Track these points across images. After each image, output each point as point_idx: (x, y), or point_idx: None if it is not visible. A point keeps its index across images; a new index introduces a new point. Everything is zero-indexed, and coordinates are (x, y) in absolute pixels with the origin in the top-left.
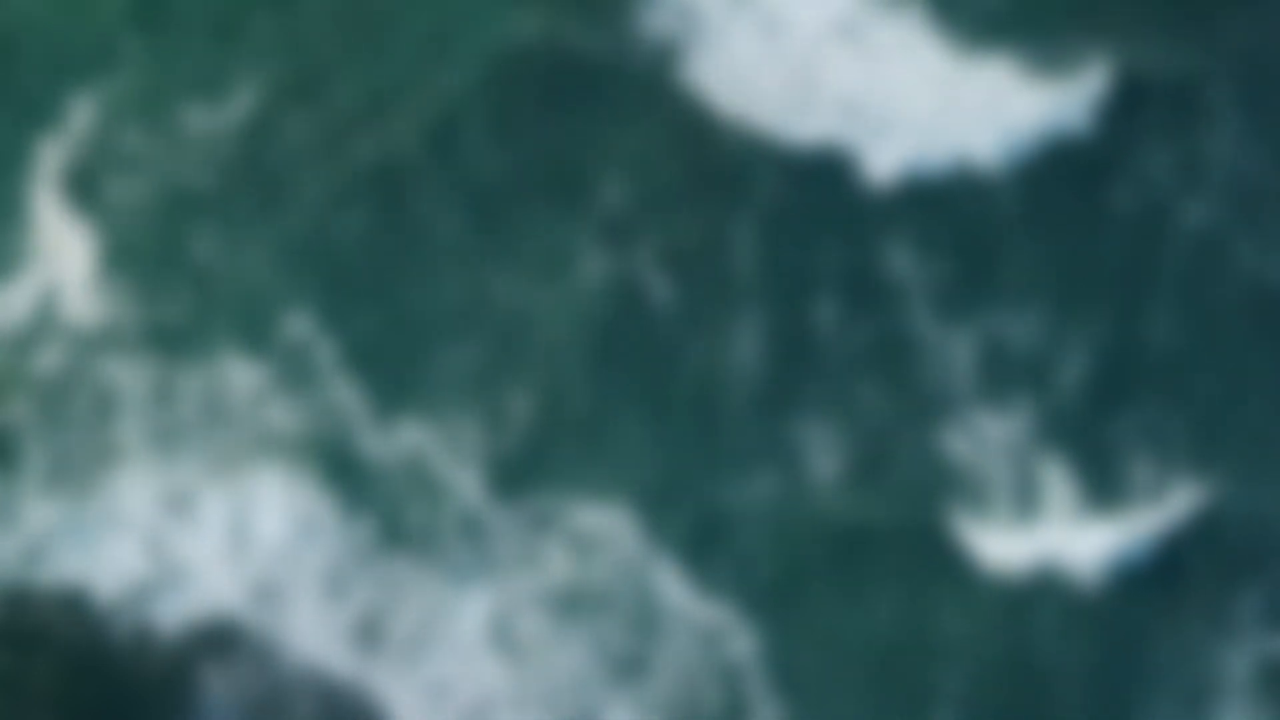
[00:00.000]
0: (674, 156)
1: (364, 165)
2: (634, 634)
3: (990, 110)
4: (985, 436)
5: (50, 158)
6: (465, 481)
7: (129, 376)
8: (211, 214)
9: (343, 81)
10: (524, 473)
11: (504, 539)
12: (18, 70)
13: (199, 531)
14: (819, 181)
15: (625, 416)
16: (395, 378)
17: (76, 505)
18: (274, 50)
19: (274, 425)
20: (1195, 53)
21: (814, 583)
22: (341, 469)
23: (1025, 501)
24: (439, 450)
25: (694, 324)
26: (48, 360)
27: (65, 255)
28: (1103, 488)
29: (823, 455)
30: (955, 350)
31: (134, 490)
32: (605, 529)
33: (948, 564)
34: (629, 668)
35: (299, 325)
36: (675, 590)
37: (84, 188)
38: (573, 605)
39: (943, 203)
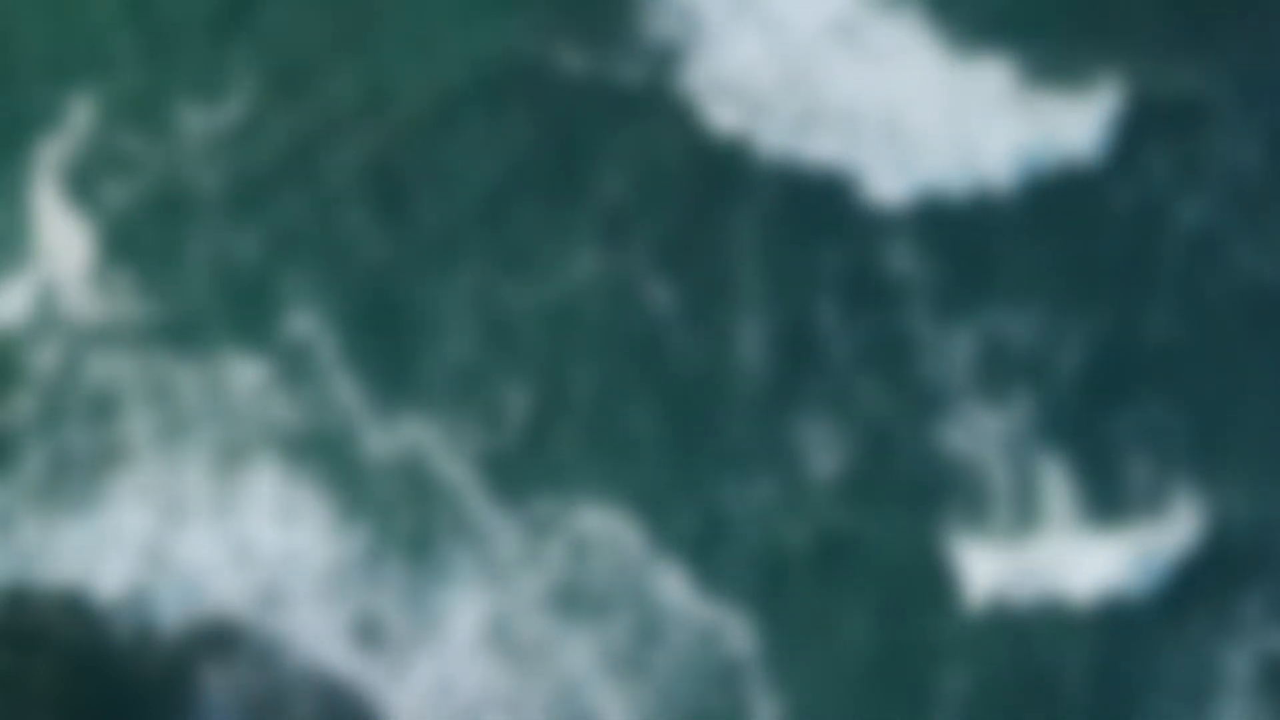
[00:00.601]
0: (674, 157)
1: (363, 164)
2: (633, 635)
3: (990, 111)
4: (984, 436)
5: (49, 156)
6: (465, 483)
7: (129, 374)
8: (210, 212)
9: (342, 79)
10: (524, 473)
11: (503, 539)
12: (17, 70)
13: (198, 531)
14: (819, 181)
15: (625, 417)
16: (395, 377)
17: (76, 504)
18: (272, 49)
19: (273, 422)
20: (1195, 52)
21: (815, 584)
22: (341, 469)
23: (1024, 501)
24: (438, 451)
25: (694, 324)
26: (47, 358)
27: (64, 253)
28: (1102, 487)
29: (823, 456)
30: (954, 349)
31: (133, 488)
32: (605, 530)
33: (947, 567)
34: (628, 669)
35: (298, 323)
36: (675, 591)
37: (83, 186)
38: (572, 606)
39: (942, 202)
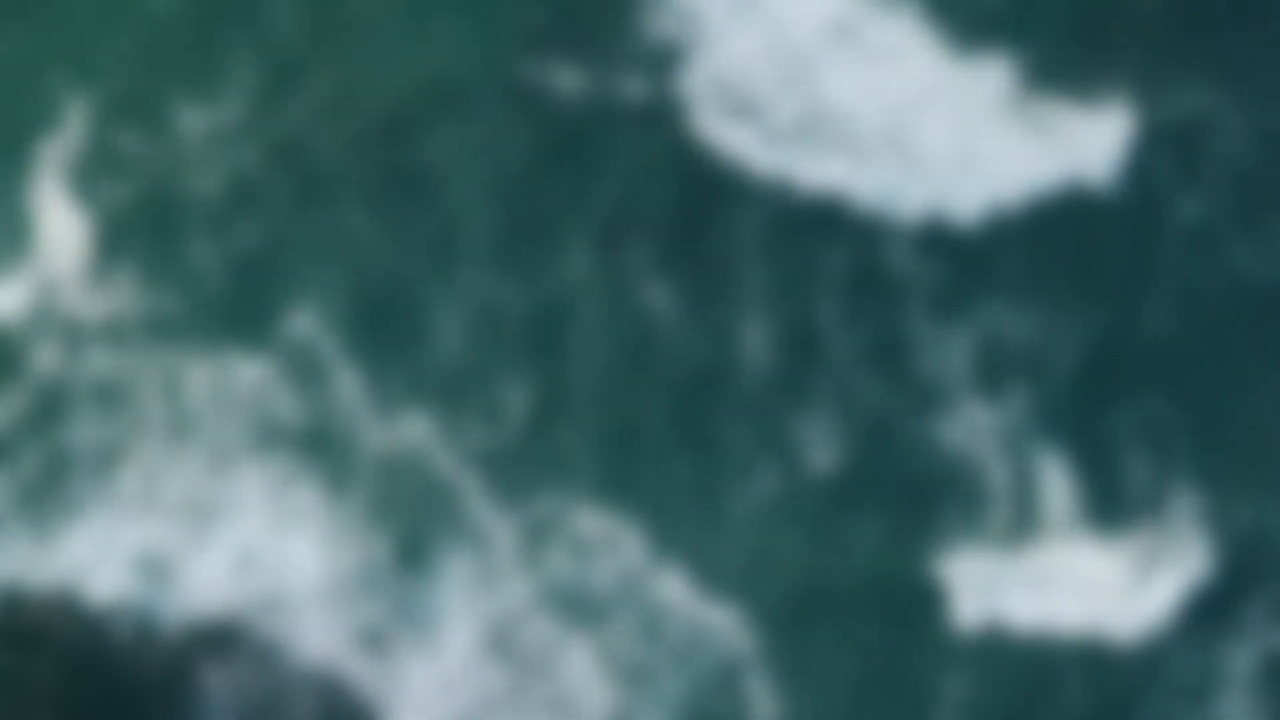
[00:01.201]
0: (672, 156)
1: (363, 161)
2: (636, 639)
3: (990, 112)
4: (982, 433)
5: (48, 155)
6: (465, 484)
7: (128, 372)
8: (209, 210)
9: (343, 78)
10: (524, 474)
11: (502, 541)
12: (16, 69)
13: (198, 530)
14: (818, 180)
15: (626, 418)
16: (395, 376)
17: (74, 502)
18: (272, 49)
19: (275, 421)
20: (1196, 51)
21: (816, 585)
22: (342, 468)
23: (1022, 499)
24: (438, 452)
25: (694, 324)
26: (45, 356)
27: (63, 251)
28: (1101, 485)
29: (824, 456)
30: (952, 347)
31: (133, 486)
32: (607, 532)
33: (947, 567)
34: (631, 673)
35: (299, 322)
36: (676, 593)
37: (81, 184)
38: (574, 609)
39: (942, 201)
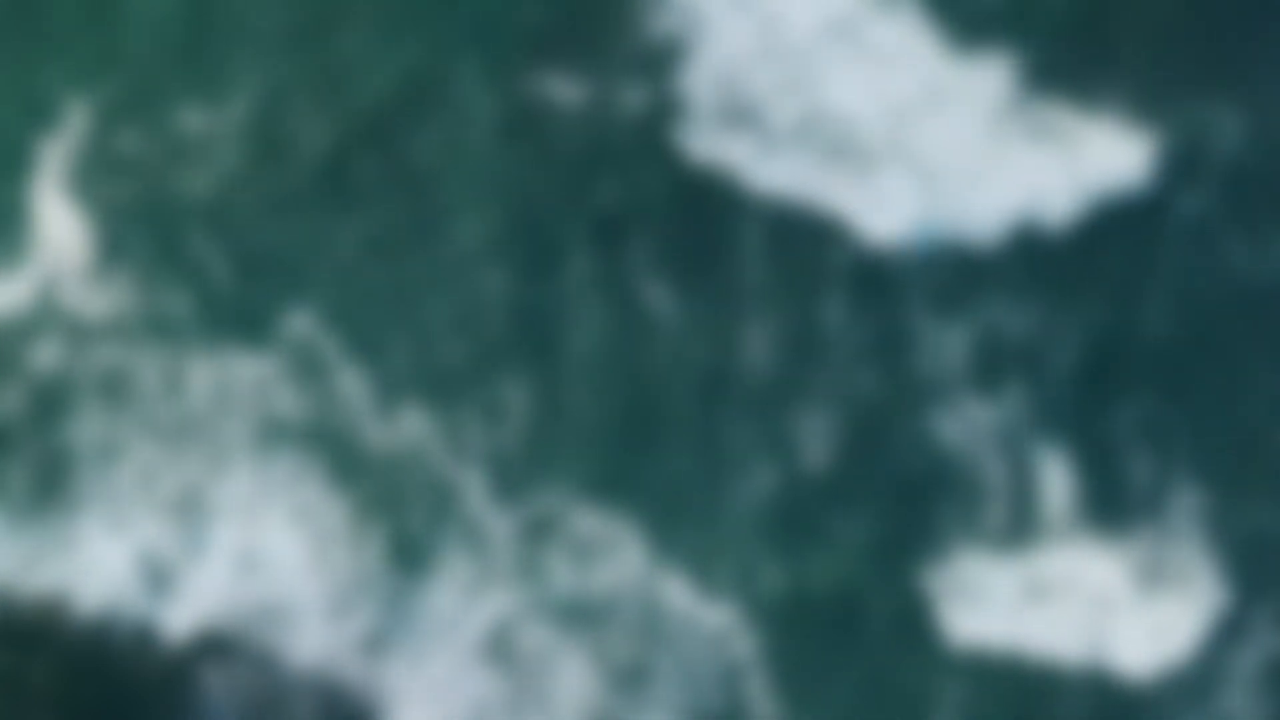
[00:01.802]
0: (671, 155)
1: (367, 163)
2: (637, 642)
3: (989, 111)
4: (981, 433)
5: (49, 155)
6: (466, 486)
7: (128, 371)
8: (211, 209)
9: (344, 77)
10: (526, 477)
11: (504, 544)
12: (17, 68)
13: (199, 529)
14: (817, 180)
15: (627, 419)
16: (396, 375)
17: (76, 502)
18: (274, 48)
19: (275, 419)
20: (1194, 51)
21: (815, 585)
22: (343, 468)
23: (1021, 497)
24: (441, 455)
25: (694, 323)
26: (46, 355)
27: (65, 250)
28: (1099, 483)
29: (825, 455)
30: (951, 343)
31: (133, 485)
32: (608, 535)
33: (947, 568)
34: (632, 676)
35: (299, 321)
36: (679, 597)
37: (84, 184)
38: (575, 613)
39: (941, 201)
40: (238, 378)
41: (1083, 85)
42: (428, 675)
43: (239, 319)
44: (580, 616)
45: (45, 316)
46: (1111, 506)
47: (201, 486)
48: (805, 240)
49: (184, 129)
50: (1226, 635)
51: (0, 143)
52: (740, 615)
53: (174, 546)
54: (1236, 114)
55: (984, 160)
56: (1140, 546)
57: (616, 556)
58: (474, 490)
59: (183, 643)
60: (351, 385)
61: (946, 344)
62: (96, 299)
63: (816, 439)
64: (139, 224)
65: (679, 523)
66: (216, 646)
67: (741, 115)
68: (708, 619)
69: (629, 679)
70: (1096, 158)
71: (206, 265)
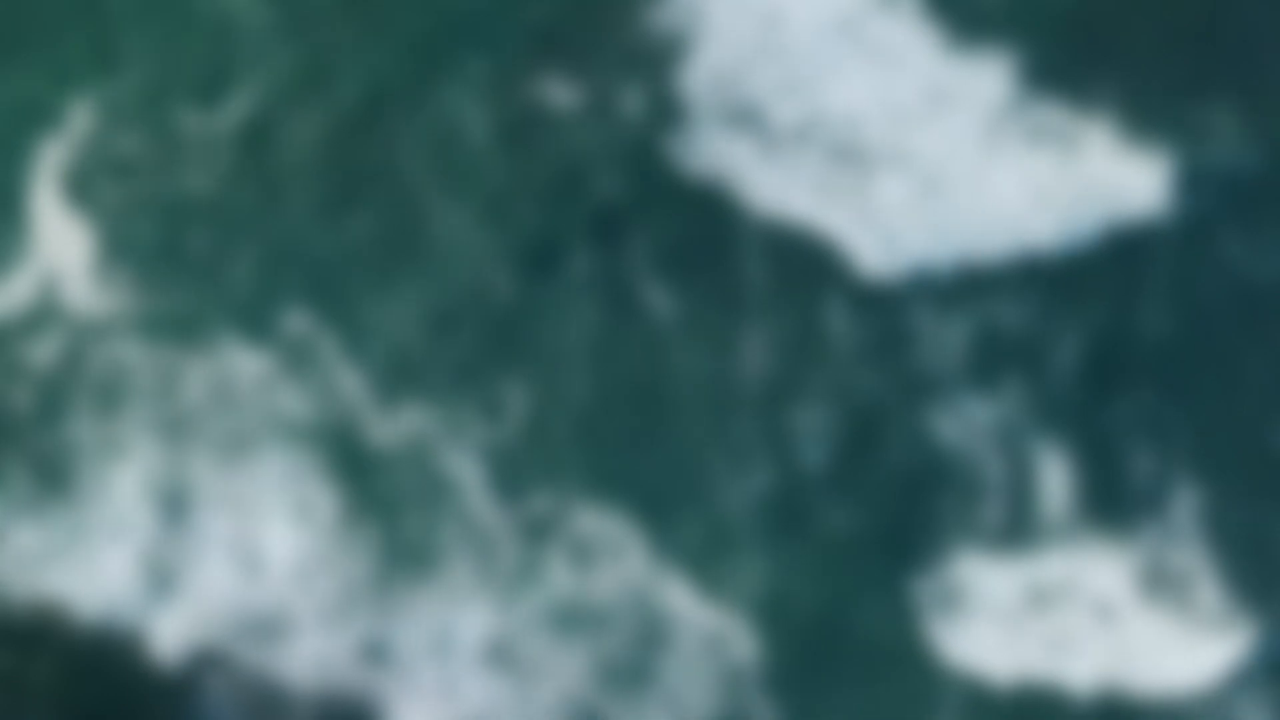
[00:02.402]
0: (673, 157)
1: (365, 161)
2: (638, 644)
3: (988, 111)
4: (980, 431)
5: (49, 155)
6: (467, 487)
7: (129, 370)
8: (213, 209)
9: (342, 76)
10: (527, 478)
11: (506, 546)
12: (16, 69)
13: (200, 528)
14: (817, 180)
15: (627, 420)
16: (396, 375)
17: (76, 501)
18: (273, 49)
19: (277, 419)
20: (1194, 51)
21: (817, 587)
22: (344, 468)
23: (1019, 496)
24: (438, 454)
25: (694, 323)
26: (46, 355)
27: (65, 250)
28: (1099, 481)
29: (825, 455)
30: (950, 341)
31: (134, 485)
32: (609, 536)
33: (947, 569)
34: (633, 678)
35: (299, 321)
36: (680, 598)
37: (84, 184)
38: (575, 615)
39: (940, 200)
40: (237, 377)
41: (1083, 86)
42: (427, 676)
43: (239, 318)
44: (579, 617)
45: (45, 316)
46: (1111, 506)
47: (202, 486)
48: (805, 240)
49: (184, 129)
50: (1227, 636)
51: (0, 143)
52: (740, 616)
53: (173, 546)
54: (1236, 115)
55: (984, 160)
56: (1140, 547)
57: (616, 557)
58: (473, 490)
59: (184, 643)
60: (351, 385)
61: (946, 343)
62: (96, 299)
63: (816, 439)
64: (139, 224)
65: (679, 523)
66: (215, 646)
67: (741, 115)
68: (707, 620)
69: (628, 680)
70: (1096, 158)
71: (206, 265)
